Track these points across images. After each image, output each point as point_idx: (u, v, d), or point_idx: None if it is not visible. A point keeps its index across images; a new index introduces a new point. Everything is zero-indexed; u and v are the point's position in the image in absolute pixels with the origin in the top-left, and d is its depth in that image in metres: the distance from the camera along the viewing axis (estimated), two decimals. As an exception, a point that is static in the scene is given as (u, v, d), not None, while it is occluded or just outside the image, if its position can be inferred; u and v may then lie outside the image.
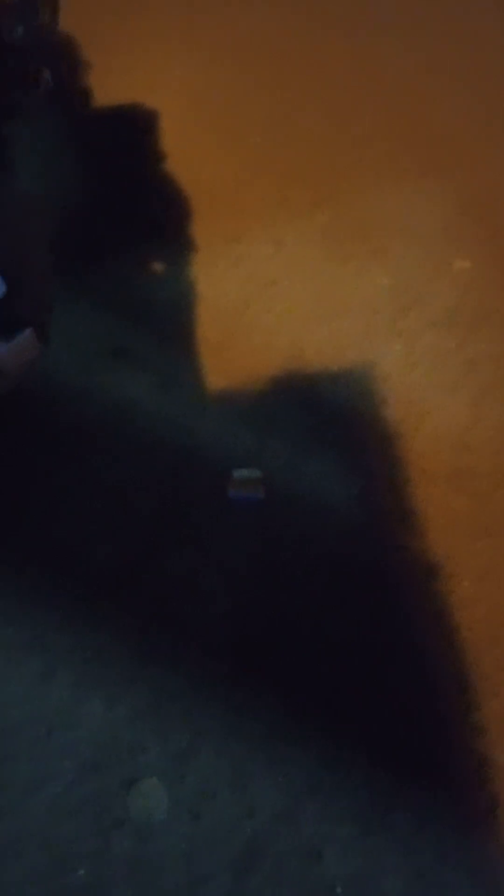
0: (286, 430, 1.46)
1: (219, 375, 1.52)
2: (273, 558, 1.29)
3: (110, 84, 1.94)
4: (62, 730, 1.10)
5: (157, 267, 1.68)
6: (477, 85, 1.97)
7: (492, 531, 1.34)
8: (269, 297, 1.63)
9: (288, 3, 2.19)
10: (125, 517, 1.34)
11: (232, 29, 2.13)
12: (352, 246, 1.70)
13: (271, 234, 1.72)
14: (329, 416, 1.48)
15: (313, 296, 1.63)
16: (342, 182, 1.81)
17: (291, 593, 1.26)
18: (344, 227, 1.73)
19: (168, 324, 1.58)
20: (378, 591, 1.27)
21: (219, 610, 1.23)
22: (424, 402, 1.48)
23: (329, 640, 1.21)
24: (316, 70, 2.03)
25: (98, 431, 1.40)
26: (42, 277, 1.22)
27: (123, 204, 1.79)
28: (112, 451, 1.42)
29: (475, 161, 1.83)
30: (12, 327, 1.06)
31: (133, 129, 1.93)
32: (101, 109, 1.93)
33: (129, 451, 1.42)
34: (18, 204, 1.25)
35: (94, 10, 2.07)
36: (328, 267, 1.67)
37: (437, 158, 1.83)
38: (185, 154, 1.87)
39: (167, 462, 1.41)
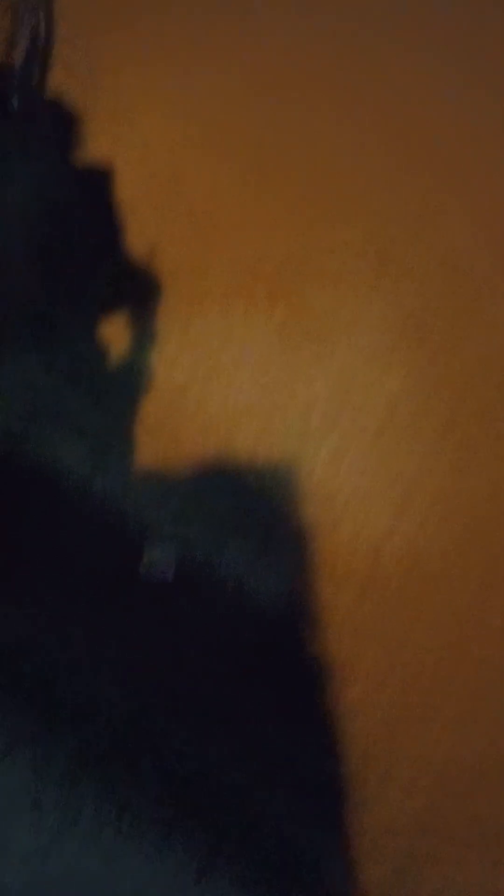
0: (208, 514, 1.50)
1: (152, 452, 1.57)
2: (173, 642, 1.32)
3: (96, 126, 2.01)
4: None
5: (108, 335, 1.74)
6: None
7: (392, 642, 1.39)
8: (214, 383, 1.69)
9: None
10: (26, 582, 1.36)
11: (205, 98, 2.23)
12: (301, 346, 1.77)
13: (226, 323, 1.79)
14: (252, 506, 1.53)
15: (256, 389, 1.69)
16: (303, 277, 1.89)
17: (187, 679, 1.29)
18: (297, 327, 1.81)
19: (111, 394, 1.63)
20: (276, 689, 1.31)
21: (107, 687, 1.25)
22: (345, 506, 1.55)
23: (217, 733, 1.24)
24: (300, 155, 2.12)
25: (20, 491, 1.42)
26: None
27: (85, 264, 1.84)
28: (31, 512, 1.45)
29: (424, 273, 1.93)
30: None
31: (106, 192, 1.99)
32: (81, 163, 2.00)
33: (47, 515, 1.45)
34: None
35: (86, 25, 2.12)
36: (274, 363, 1.74)
37: (393, 266, 1.92)
38: (155, 229, 1.94)
39: (83, 531, 1.44)
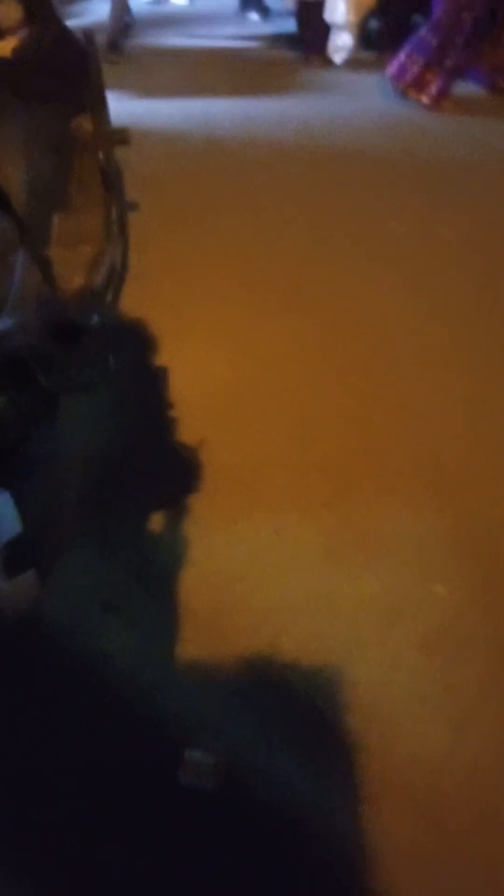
0: (250, 718, 1.42)
1: (198, 647, 1.53)
2: (214, 854, 1.19)
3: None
4: None
5: (165, 529, 1.77)
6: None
7: (453, 875, 1.23)
8: (261, 581, 1.68)
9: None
10: (61, 777, 1.27)
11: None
12: (349, 552, 1.78)
13: (275, 522, 1.82)
14: (296, 713, 1.45)
15: (304, 590, 1.68)
16: (353, 489, 1.94)
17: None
18: (346, 533, 1.83)
19: (161, 586, 1.63)
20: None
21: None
22: (397, 720, 1.46)
23: None
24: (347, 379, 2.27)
25: (67, 680, 1.38)
26: (63, 526, 1.28)
27: (144, 465, 1.93)
28: (74, 703, 1.39)
29: (476, 496, 1.96)
30: (18, 566, 1.09)
31: (165, 400, 2.14)
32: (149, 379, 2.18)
33: (90, 705, 1.39)
34: (62, 453, 1.36)
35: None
36: (323, 566, 1.74)
37: (442, 486, 1.97)
38: (215, 431, 2.04)
39: (123, 725, 1.37)
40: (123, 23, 5.03)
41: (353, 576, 1.72)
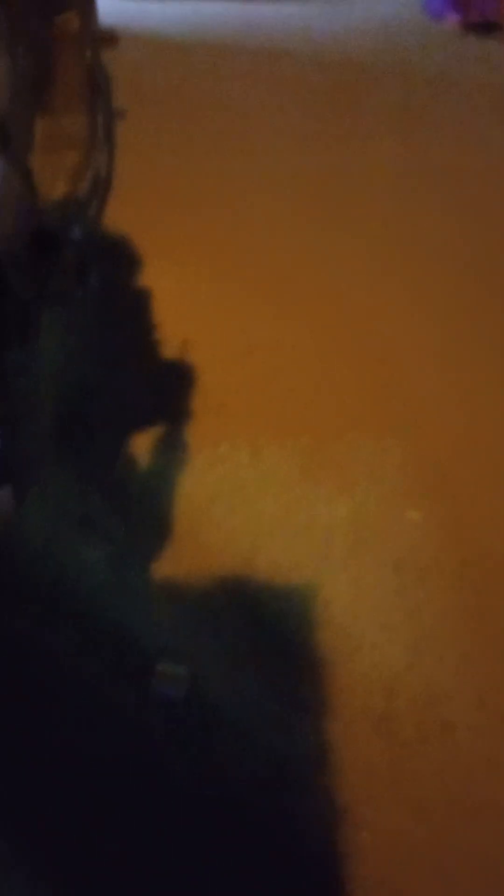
0: (222, 634, 1.47)
1: (172, 564, 1.56)
2: (179, 769, 1.25)
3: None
4: None
5: (140, 447, 1.78)
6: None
7: (403, 783, 1.31)
8: (238, 501, 1.71)
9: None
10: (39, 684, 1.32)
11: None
12: (324, 474, 1.81)
13: (253, 444, 1.83)
14: (268, 629, 1.50)
15: (278, 510, 1.71)
16: (328, 419, 1.96)
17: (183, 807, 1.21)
18: (320, 456, 1.85)
19: (138, 505, 1.65)
20: (281, 831, 1.22)
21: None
22: (361, 637, 1.51)
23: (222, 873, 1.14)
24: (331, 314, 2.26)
25: (41, 593, 1.41)
26: (39, 442, 1.29)
27: (124, 385, 1.93)
28: (47, 616, 1.43)
29: (442, 424, 1.99)
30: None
31: (150, 321, 2.12)
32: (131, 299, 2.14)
33: (63, 618, 1.43)
34: (38, 369, 1.35)
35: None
36: (298, 487, 1.76)
37: (413, 422, 1.98)
38: (196, 354, 2.04)
39: (98, 639, 1.41)
40: None
41: (327, 497, 1.75)
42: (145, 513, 1.63)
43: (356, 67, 3.55)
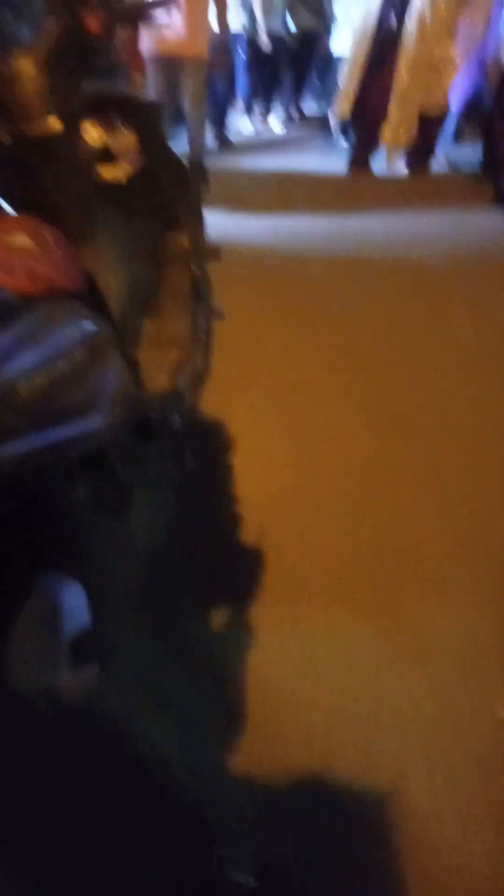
0: (299, 831, 1.37)
1: (247, 755, 1.50)
2: None
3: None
4: None
5: (217, 623, 1.77)
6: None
7: None
8: (316, 686, 1.66)
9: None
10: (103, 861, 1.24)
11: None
12: (405, 657, 1.75)
13: (330, 622, 1.80)
14: (344, 829, 1.40)
15: (359, 699, 1.65)
16: (408, 589, 1.92)
17: None
18: (401, 635, 1.80)
19: (215, 685, 1.63)
20: None
21: None
22: (441, 837, 1.39)
23: None
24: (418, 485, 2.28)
25: (113, 772, 1.36)
26: (122, 616, 1.31)
27: (207, 561, 1.96)
28: (118, 796, 1.37)
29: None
30: (83, 658, 1.11)
31: (230, 497, 2.18)
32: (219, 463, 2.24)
33: (134, 800, 1.36)
34: (129, 545, 1.40)
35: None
36: (379, 673, 1.70)
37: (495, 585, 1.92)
38: (275, 528, 2.06)
39: (167, 827, 1.34)
40: (202, 146, 5.42)
41: (410, 685, 1.68)
42: (222, 694, 1.60)
43: (433, 270, 3.83)
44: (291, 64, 6.63)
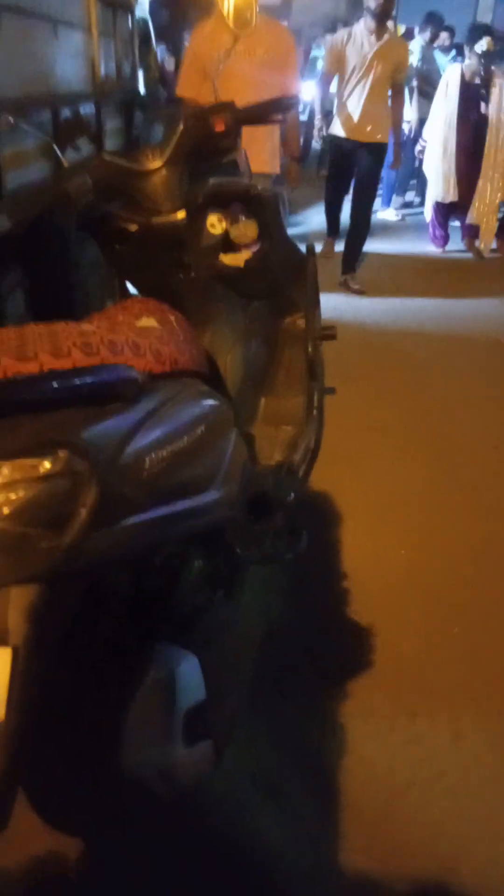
0: None
1: (363, 856, 1.40)
2: None
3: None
4: None
5: (330, 714, 1.70)
6: None
7: None
8: (438, 790, 1.54)
9: None
10: None
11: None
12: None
13: (454, 724, 1.69)
14: None
15: (486, 808, 1.51)
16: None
17: None
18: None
19: (328, 780, 1.54)
20: None
21: None
22: None
23: None
24: None
25: (222, 866, 1.31)
26: (238, 698, 1.28)
27: (316, 642, 1.90)
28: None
29: None
30: (197, 734, 1.09)
31: (340, 578, 2.12)
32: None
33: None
34: (241, 622, 1.39)
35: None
36: (504, 772, 1.56)
37: None
38: (388, 615, 1.98)
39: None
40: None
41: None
42: (334, 790, 1.51)
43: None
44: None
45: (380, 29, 4.28)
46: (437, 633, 1.95)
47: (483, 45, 5.14)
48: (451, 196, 5.52)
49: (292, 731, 1.65)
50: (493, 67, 5.23)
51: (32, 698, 0.89)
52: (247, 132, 1.89)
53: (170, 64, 5.53)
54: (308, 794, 1.50)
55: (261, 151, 3.21)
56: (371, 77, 4.33)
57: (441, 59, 6.94)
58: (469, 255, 5.77)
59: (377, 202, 6.93)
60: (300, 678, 1.79)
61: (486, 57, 5.16)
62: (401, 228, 6.72)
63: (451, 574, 2.16)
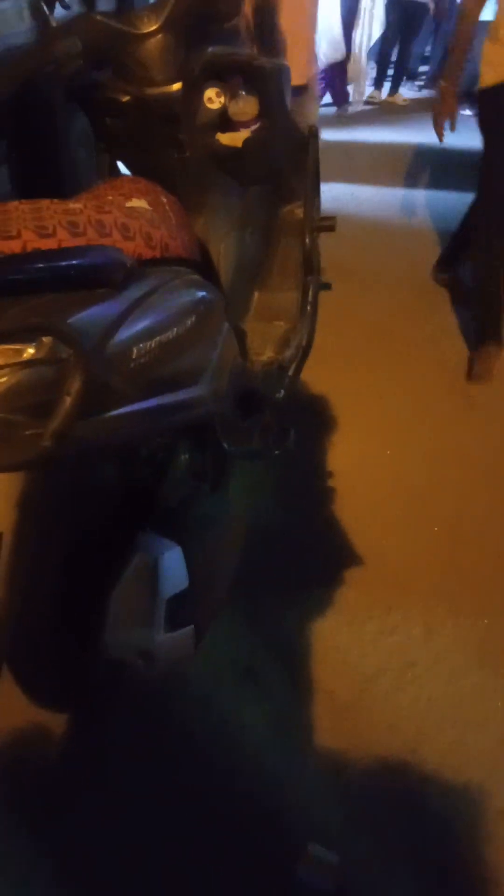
0: (379, 824, 1.35)
1: (332, 736, 1.48)
2: None
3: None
4: None
5: (308, 607, 1.75)
6: None
7: None
8: (406, 678, 1.61)
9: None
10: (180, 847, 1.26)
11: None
12: (500, 658, 1.67)
13: (427, 619, 1.75)
14: (430, 830, 1.36)
15: (451, 697, 1.59)
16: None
17: None
18: (500, 641, 1.72)
19: (302, 666, 1.61)
20: None
21: None
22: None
23: None
24: None
25: (197, 743, 1.39)
26: (220, 589, 1.31)
27: (299, 539, 1.94)
28: (201, 767, 1.39)
29: None
30: (179, 621, 1.13)
31: (327, 479, 2.14)
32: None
33: (216, 776, 1.38)
34: (226, 516, 1.40)
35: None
36: (474, 675, 1.64)
37: None
38: (372, 516, 2.01)
39: (246, 806, 1.35)
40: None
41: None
42: (308, 675, 1.58)
43: None
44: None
45: None
46: (417, 532, 1.99)
47: None
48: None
49: (271, 621, 1.70)
50: None
51: (18, 582, 0.91)
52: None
53: None
54: (283, 678, 1.57)
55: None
56: None
57: None
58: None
59: (385, 86, 6.56)
60: (281, 571, 1.84)
61: None
62: (411, 112, 6.35)
63: (433, 475, 2.18)
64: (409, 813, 1.38)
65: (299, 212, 1.89)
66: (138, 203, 1.26)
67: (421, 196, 4.37)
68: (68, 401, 0.85)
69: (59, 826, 1.35)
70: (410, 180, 4.64)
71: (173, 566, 1.12)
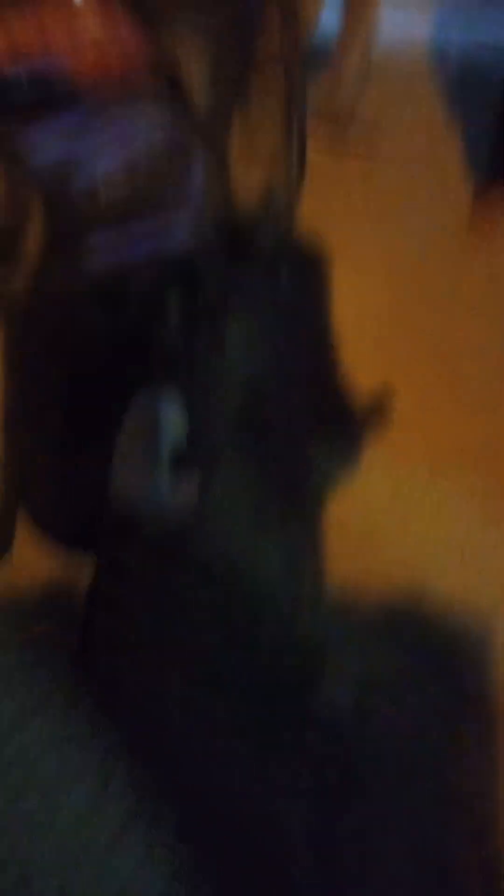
0: (389, 652, 1.41)
1: (347, 563, 1.51)
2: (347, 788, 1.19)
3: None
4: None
5: (316, 452, 1.74)
6: None
7: None
8: (414, 518, 1.64)
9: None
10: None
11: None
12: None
13: (433, 465, 1.74)
14: (437, 658, 1.42)
15: (457, 539, 1.61)
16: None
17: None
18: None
19: (313, 505, 1.62)
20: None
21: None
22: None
23: None
24: None
25: (214, 585, 1.41)
26: (223, 435, 1.29)
27: (306, 384, 1.88)
28: (217, 608, 1.42)
29: None
30: (181, 467, 1.12)
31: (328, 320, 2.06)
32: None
33: (233, 611, 1.41)
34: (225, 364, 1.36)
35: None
36: (478, 521, 1.65)
37: None
38: (375, 359, 1.96)
39: (265, 638, 1.39)
40: None
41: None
42: (321, 512, 1.59)
43: None
44: None
45: None
46: (420, 371, 1.93)
47: None
48: None
49: (278, 465, 1.68)
50: None
51: (16, 426, 0.89)
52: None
53: None
54: (294, 515, 1.57)
55: None
56: None
57: None
58: None
59: None
60: (285, 418, 1.80)
61: None
62: None
63: (435, 312, 2.10)
64: (418, 640, 1.43)
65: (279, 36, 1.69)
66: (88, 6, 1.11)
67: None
68: (31, 244, 0.79)
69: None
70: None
71: (173, 418, 1.10)
